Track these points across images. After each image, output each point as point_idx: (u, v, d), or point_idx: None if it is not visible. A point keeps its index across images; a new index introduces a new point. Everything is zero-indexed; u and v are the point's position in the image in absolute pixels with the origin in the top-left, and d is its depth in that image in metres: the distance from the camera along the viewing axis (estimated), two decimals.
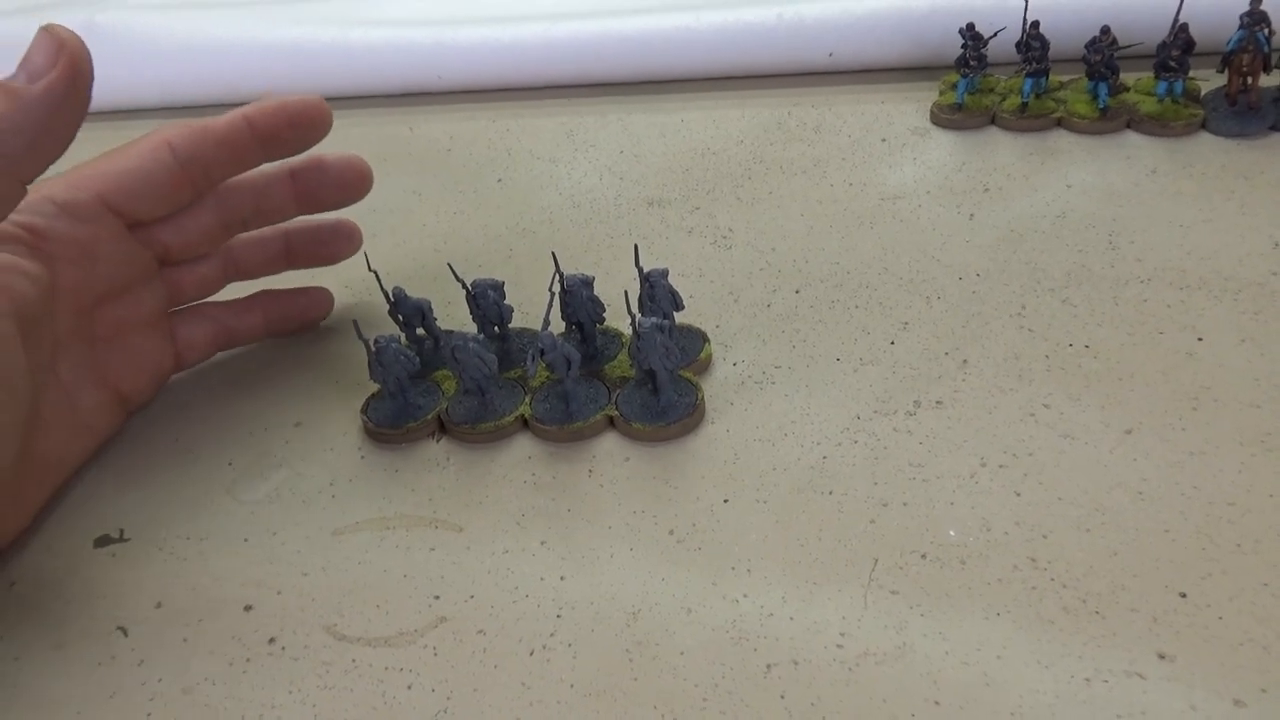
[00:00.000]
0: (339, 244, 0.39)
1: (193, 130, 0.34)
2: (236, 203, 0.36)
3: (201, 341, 0.37)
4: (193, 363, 0.38)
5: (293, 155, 0.36)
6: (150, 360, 0.36)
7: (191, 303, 0.38)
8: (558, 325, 0.36)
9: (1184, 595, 0.25)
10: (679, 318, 0.36)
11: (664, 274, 0.34)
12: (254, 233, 0.38)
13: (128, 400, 0.36)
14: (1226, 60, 0.43)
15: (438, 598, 0.28)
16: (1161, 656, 0.24)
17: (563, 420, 0.33)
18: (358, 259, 0.39)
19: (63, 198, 0.32)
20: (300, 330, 0.40)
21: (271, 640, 0.28)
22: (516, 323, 0.37)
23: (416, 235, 0.45)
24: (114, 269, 0.34)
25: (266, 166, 0.36)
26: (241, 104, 0.35)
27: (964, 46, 0.46)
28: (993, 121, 0.47)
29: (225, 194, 0.36)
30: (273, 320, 0.39)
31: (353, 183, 0.37)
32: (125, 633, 0.29)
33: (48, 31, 0.28)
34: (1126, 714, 0.23)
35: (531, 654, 0.26)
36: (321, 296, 0.40)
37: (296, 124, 0.35)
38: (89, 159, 0.34)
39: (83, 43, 0.28)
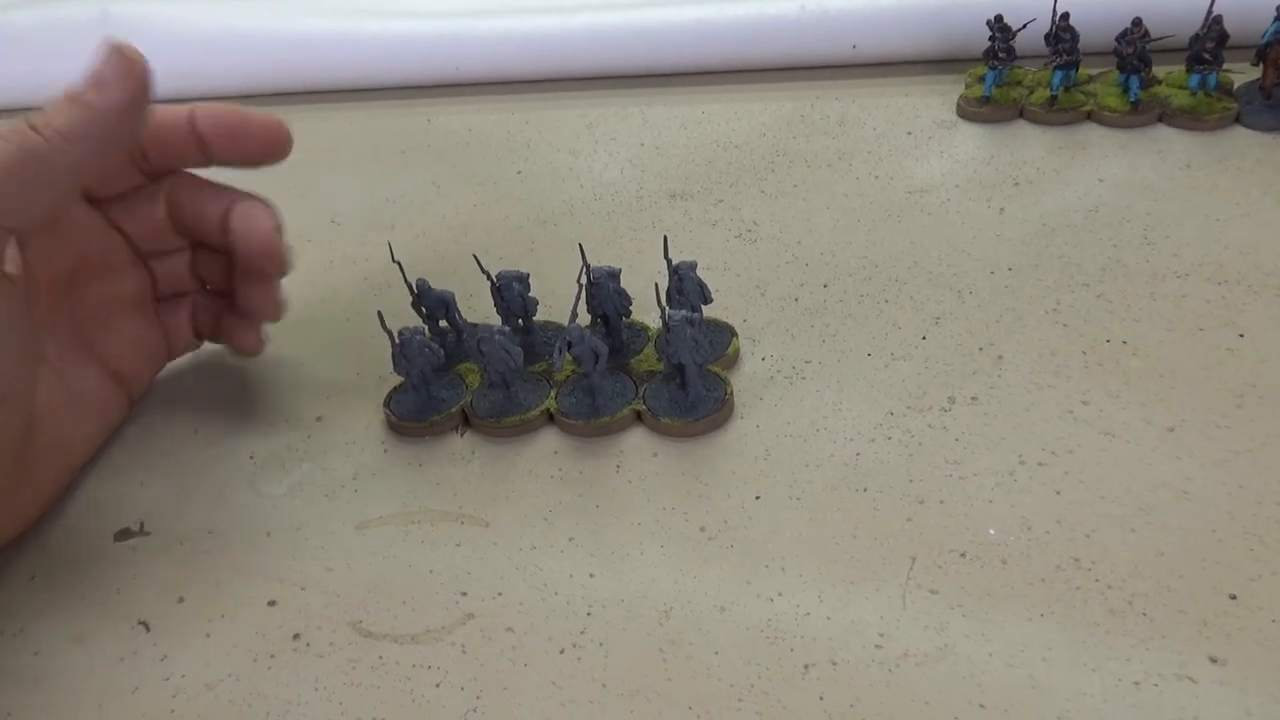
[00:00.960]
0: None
1: None
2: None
3: (183, 320, 0.36)
4: (182, 340, 0.37)
5: (236, 166, 0.34)
6: (142, 342, 0.35)
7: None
8: (583, 318, 0.35)
9: (1234, 597, 0.25)
10: (706, 311, 0.35)
11: (692, 266, 0.33)
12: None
13: (127, 383, 0.35)
14: (1262, 53, 0.42)
15: (465, 594, 0.28)
16: (1213, 660, 0.23)
17: (589, 415, 0.32)
18: (382, 251, 0.38)
19: None
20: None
21: (296, 636, 0.27)
22: (540, 315, 0.36)
23: (436, 227, 0.45)
24: (83, 241, 0.33)
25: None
26: (255, 95, 0.33)
27: (992, 39, 0.46)
28: (1021, 115, 0.46)
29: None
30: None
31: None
32: (147, 627, 0.28)
33: (119, 52, 0.28)
34: (1178, 719, 0.22)
35: (562, 652, 0.26)
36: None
37: (236, 137, 0.33)
38: None
39: (146, 63, 0.29)
